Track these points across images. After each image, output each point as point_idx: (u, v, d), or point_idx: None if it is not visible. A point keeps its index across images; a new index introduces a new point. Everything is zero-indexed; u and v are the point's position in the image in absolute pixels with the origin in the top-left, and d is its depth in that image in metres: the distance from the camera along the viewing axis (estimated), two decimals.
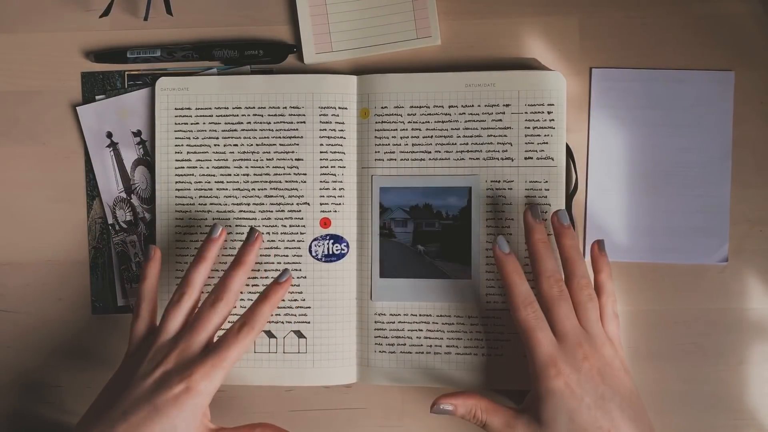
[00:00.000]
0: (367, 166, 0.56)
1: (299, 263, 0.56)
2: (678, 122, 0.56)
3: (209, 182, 0.57)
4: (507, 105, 0.55)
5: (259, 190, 0.56)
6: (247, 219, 0.56)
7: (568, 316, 0.49)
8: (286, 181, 0.56)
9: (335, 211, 0.56)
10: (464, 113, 0.55)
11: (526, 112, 0.55)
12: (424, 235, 0.56)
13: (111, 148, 0.58)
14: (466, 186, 0.55)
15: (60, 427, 0.58)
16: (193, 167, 0.57)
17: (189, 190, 0.57)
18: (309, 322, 0.56)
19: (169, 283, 0.56)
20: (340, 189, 0.56)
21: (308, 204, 0.56)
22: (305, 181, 0.56)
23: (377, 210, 0.56)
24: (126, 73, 0.58)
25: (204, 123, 0.57)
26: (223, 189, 0.57)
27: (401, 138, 0.56)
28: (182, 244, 0.57)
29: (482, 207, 0.55)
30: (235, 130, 0.57)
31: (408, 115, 0.56)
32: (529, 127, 0.55)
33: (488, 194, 0.55)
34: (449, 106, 0.55)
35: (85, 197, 0.58)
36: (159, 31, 0.58)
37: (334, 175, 0.56)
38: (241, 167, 0.57)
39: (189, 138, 0.57)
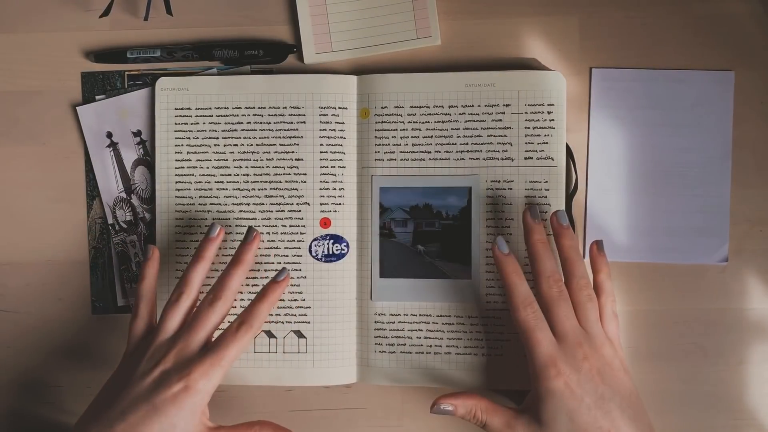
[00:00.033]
0: (367, 166, 0.56)
1: (299, 263, 0.56)
2: (678, 122, 0.56)
3: (209, 182, 0.57)
4: (507, 105, 0.55)
5: (259, 190, 0.56)
6: (247, 219, 0.56)
7: (568, 316, 0.49)
8: (286, 181, 0.56)
9: (335, 211, 0.56)
10: (464, 113, 0.55)
11: (526, 112, 0.55)
12: (424, 235, 0.56)
13: (111, 148, 0.58)
14: (466, 186, 0.55)
15: (59, 427, 0.58)
16: (193, 167, 0.57)
17: (189, 190, 0.57)
18: (309, 322, 0.56)
19: (169, 283, 0.56)
20: (340, 189, 0.56)
21: (308, 204, 0.56)
22: (305, 181, 0.56)
23: (377, 210, 0.56)
24: (126, 73, 0.58)
25: (204, 123, 0.57)
26: (223, 189, 0.57)
27: (401, 138, 0.56)
28: (182, 244, 0.57)
29: (482, 207, 0.55)
30: (235, 130, 0.57)
31: (408, 115, 0.56)
32: (529, 127, 0.55)
33: (488, 194, 0.55)
34: (449, 106, 0.55)
35: (85, 197, 0.58)
36: (159, 31, 0.58)
37: (334, 175, 0.56)
38: (241, 167, 0.57)
39: (189, 138, 0.57)
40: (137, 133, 0.58)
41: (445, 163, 0.55)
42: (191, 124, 0.57)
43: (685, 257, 0.56)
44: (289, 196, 0.56)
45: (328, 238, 0.56)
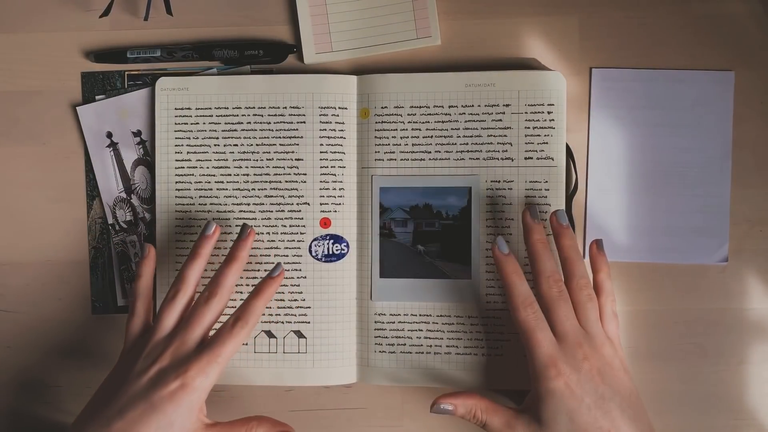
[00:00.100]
0: (367, 166, 0.56)
1: (299, 263, 0.56)
2: (678, 122, 0.56)
3: (209, 182, 0.57)
4: (507, 105, 0.55)
5: (259, 190, 0.56)
6: (247, 219, 0.56)
7: (568, 316, 0.49)
8: (286, 181, 0.56)
9: (335, 211, 0.56)
10: (464, 113, 0.55)
11: (526, 112, 0.55)
12: (424, 235, 0.56)
13: (111, 148, 0.58)
14: (466, 186, 0.55)
15: (59, 427, 0.58)
16: (193, 167, 0.57)
17: (189, 190, 0.57)
18: (309, 322, 0.56)
19: (169, 282, 0.56)
20: (340, 189, 0.56)
21: (308, 204, 0.56)
22: (305, 181, 0.56)
23: (377, 210, 0.56)
24: (126, 73, 0.58)
25: (204, 123, 0.57)
26: (223, 189, 0.57)
27: (401, 138, 0.56)
28: (182, 244, 0.57)
29: (482, 207, 0.55)
30: (235, 130, 0.57)
31: (408, 115, 0.56)
32: (529, 127, 0.55)
33: (488, 194, 0.55)
34: (449, 106, 0.55)
35: (85, 197, 0.58)
36: (159, 31, 0.58)
37: (334, 175, 0.56)
38: (241, 167, 0.57)
39: (189, 138, 0.57)
40: (137, 133, 0.58)
41: (445, 163, 0.55)
42: (191, 124, 0.57)
43: (685, 257, 0.56)
44: (289, 196, 0.56)
45: (328, 238, 0.56)
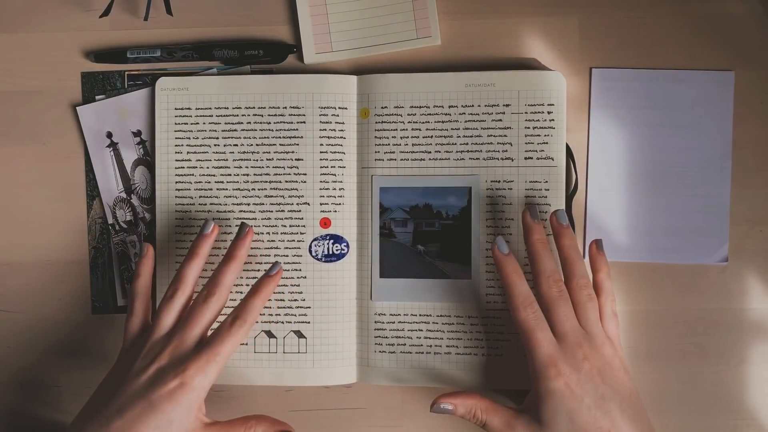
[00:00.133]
0: (367, 166, 0.56)
1: (299, 263, 0.56)
2: (678, 122, 0.56)
3: (209, 182, 0.57)
4: (507, 105, 0.55)
5: (259, 190, 0.56)
6: (247, 219, 0.56)
7: (568, 316, 0.49)
8: (286, 181, 0.56)
9: (335, 211, 0.56)
10: (464, 113, 0.55)
11: (526, 112, 0.55)
12: (424, 235, 0.56)
13: (111, 148, 0.58)
14: (466, 186, 0.55)
15: (58, 427, 0.58)
16: (193, 167, 0.57)
17: (189, 190, 0.57)
18: (309, 322, 0.56)
19: (168, 282, 0.56)
20: (340, 189, 0.56)
21: (308, 204, 0.56)
22: (305, 181, 0.56)
23: (377, 210, 0.56)
24: (126, 73, 0.58)
25: (204, 123, 0.57)
26: (223, 189, 0.57)
27: (401, 138, 0.56)
28: (182, 244, 0.57)
29: (482, 207, 0.55)
30: (235, 130, 0.57)
31: (408, 115, 0.56)
32: (529, 127, 0.55)
33: (488, 194, 0.55)
34: (449, 106, 0.55)
35: (85, 197, 0.58)
36: (159, 31, 0.58)
37: (334, 175, 0.56)
38: (241, 167, 0.57)
39: (189, 138, 0.57)
40: (137, 133, 0.58)
41: (445, 163, 0.55)
42: (191, 124, 0.57)
43: (685, 257, 0.56)
44: (289, 196, 0.56)
45: (328, 238, 0.56)
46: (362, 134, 0.56)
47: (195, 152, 0.57)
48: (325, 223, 0.56)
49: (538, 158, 0.55)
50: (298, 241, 0.56)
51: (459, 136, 0.55)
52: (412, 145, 0.56)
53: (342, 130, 0.56)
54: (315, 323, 0.56)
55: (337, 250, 0.56)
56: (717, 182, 0.55)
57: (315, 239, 0.56)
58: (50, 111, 0.58)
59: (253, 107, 0.56)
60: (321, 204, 0.56)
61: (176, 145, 0.57)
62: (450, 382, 0.55)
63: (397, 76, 0.56)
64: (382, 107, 0.56)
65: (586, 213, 0.56)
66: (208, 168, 0.57)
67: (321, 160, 0.56)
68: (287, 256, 0.56)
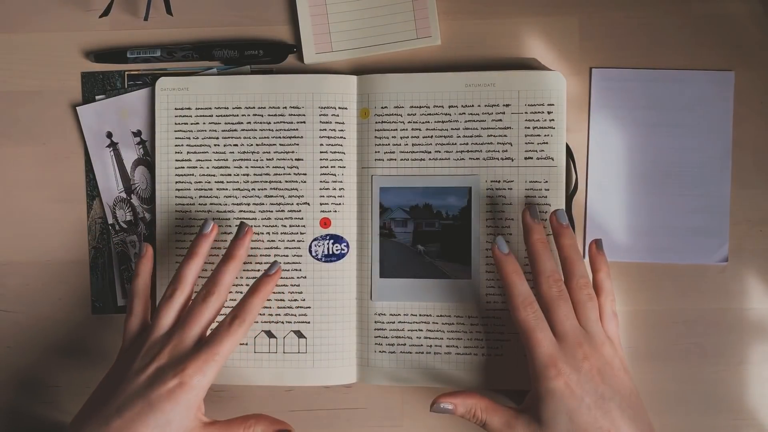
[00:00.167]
0: (367, 166, 0.56)
1: (299, 263, 0.56)
2: (678, 122, 0.56)
3: (209, 182, 0.57)
4: (507, 105, 0.55)
5: (259, 190, 0.56)
6: (247, 219, 0.56)
7: (568, 316, 0.49)
8: (286, 181, 0.56)
9: (335, 211, 0.56)
10: (464, 113, 0.55)
11: (526, 112, 0.55)
12: (424, 235, 0.56)
13: (111, 148, 0.58)
14: (466, 186, 0.55)
15: (58, 427, 0.58)
16: (193, 167, 0.57)
17: (189, 190, 0.57)
18: (309, 322, 0.56)
19: (168, 282, 0.56)
20: (340, 189, 0.56)
21: (308, 204, 0.56)
22: (305, 181, 0.56)
23: (377, 210, 0.56)
24: (126, 73, 0.58)
25: (204, 123, 0.57)
26: (223, 189, 0.57)
27: (401, 138, 0.56)
28: (182, 244, 0.57)
29: (482, 207, 0.55)
30: (235, 130, 0.57)
31: (408, 115, 0.56)
32: (529, 127, 0.55)
33: (488, 194, 0.55)
34: (449, 106, 0.55)
35: (85, 197, 0.58)
36: (159, 31, 0.58)
37: (334, 175, 0.56)
38: (241, 167, 0.57)
39: (189, 138, 0.57)
40: (137, 133, 0.58)
41: (445, 163, 0.55)
42: (191, 124, 0.57)
43: (685, 257, 0.56)
44: (289, 196, 0.56)
45: (328, 238, 0.56)
46: (362, 134, 0.56)
47: (195, 152, 0.57)
48: (325, 223, 0.56)
49: (538, 158, 0.55)
50: (298, 241, 0.56)
51: (459, 136, 0.55)
52: (412, 145, 0.56)
53: (342, 130, 0.56)
54: (315, 323, 0.56)
55: (337, 250, 0.56)
56: (717, 182, 0.55)
57: (315, 239, 0.56)
58: (50, 111, 0.58)
59: (253, 107, 0.57)
60: (321, 204, 0.56)
61: (176, 145, 0.57)
62: (450, 382, 0.55)
63: (397, 76, 0.56)
64: (382, 107, 0.56)
65: (586, 213, 0.56)
66: (208, 168, 0.57)
67: (321, 160, 0.56)
68: (287, 256, 0.56)
